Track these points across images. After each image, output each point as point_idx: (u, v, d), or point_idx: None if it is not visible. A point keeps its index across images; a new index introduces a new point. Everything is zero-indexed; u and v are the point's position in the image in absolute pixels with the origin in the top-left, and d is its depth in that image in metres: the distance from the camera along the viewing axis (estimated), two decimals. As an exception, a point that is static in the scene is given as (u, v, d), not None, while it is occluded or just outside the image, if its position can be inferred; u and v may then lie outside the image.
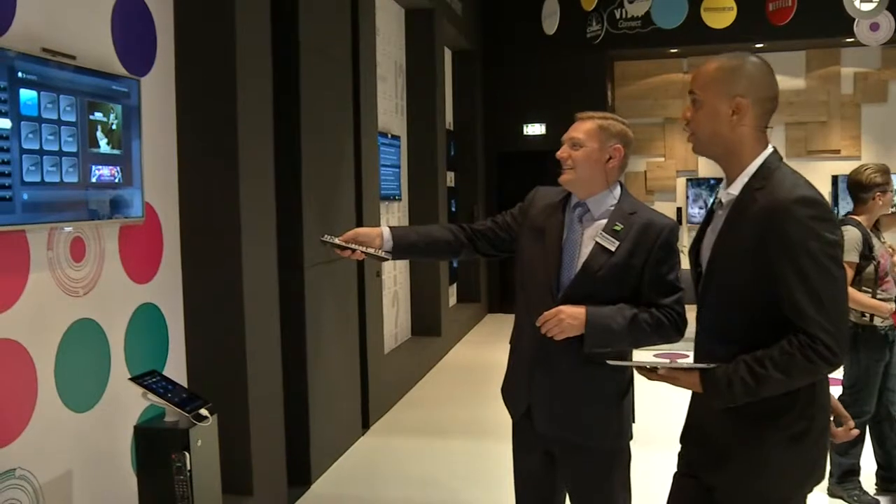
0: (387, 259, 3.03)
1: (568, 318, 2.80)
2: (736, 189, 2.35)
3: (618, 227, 2.89)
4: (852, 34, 9.31)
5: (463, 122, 11.92)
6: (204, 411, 3.58)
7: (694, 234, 2.56)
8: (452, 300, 11.58)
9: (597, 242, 2.89)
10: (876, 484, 5.03)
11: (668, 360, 2.40)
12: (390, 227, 3.08)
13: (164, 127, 4.23)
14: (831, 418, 2.43)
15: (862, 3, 8.28)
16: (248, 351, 4.40)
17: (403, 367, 8.14)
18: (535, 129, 12.30)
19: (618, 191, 3.00)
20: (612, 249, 2.87)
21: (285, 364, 4.96)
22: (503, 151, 12.47)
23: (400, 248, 3.07)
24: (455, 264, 11.50)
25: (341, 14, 6.17)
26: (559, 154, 2.97)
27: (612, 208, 2.95)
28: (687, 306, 2.87)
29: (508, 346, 3.12)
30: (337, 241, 2.93)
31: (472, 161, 12.09)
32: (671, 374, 2.37)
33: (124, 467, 3.87)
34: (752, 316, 2.29)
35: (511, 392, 3.11)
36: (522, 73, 12.11)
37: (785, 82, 11.56)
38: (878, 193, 4.63)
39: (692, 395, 2.52)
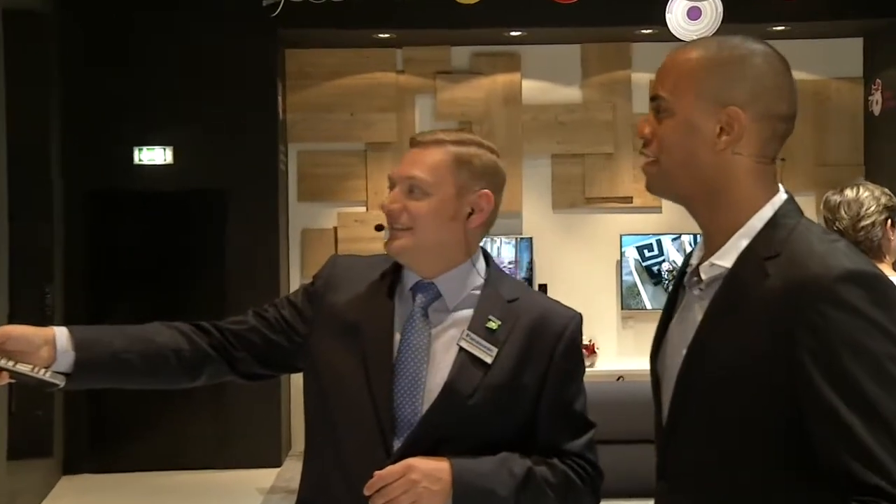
0: (57, 386, 1.93)
1: (424, 481, 1.91)
2: (728, 259, 1.64)
3: (493, 325, 2.04)
4: (655, 23, 7.35)
5: (24, 137, 7.54)
6: None
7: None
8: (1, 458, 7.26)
9: (461, 349, 2.02)
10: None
11: None
12: (69, 328, 1.99)
13: None
14: None
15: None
16: None
17: None
18: (156, 154, 8.46)
19: (481, 263, 2.10)
20: (489, 361, 2.00)
21: None
22: (99, 190, 8.33)
23: (88, 366, 1.96)
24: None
25: None
26: (387, 206, 2.04)
27: (479, 292, 2.07)
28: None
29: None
30: None
31: (41, 207, 7.91)
32: None
33: None
34: (760, 458, 1.56)
35: None
36: (137, 60, 8.14)
37: (554, 91, 8.77)
38: None
39: None
